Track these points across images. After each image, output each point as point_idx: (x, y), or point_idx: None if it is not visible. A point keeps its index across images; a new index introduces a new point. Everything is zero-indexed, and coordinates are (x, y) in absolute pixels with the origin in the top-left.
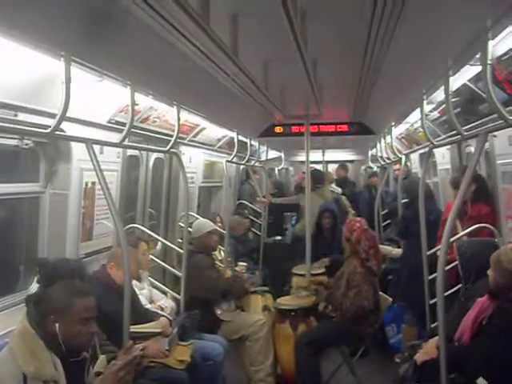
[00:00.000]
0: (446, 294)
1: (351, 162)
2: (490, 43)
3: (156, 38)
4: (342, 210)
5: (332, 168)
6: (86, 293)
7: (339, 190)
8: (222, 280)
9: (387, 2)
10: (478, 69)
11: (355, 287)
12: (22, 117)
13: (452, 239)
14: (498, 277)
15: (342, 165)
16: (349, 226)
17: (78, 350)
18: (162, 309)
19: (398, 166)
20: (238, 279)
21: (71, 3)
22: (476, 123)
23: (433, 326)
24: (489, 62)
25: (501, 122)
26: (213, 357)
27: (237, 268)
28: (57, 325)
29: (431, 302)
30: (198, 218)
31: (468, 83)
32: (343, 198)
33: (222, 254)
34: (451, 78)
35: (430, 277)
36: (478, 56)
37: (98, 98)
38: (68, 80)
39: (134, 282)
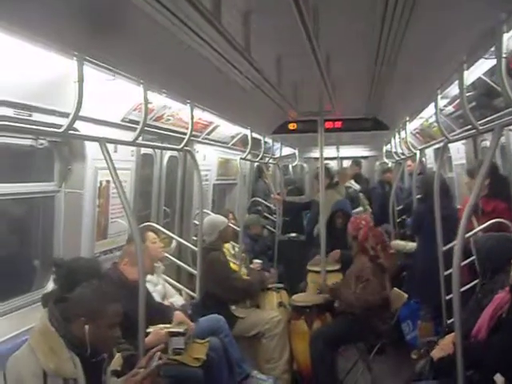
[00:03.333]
0: (462, 289)
1: (366, 157)
2: (505, 36)
3: (168, 37)
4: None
5: (347, 164)
6: (117, 299)
7: (357, 186)
8: (241, 280)
9: None
10: (493, 62)
11: (363, 282)
12: (36, 117)
13: (468, 235)
14: None
15: (356, 161)
16: (354, 225)
17: (101, 352)
18: (174, 306)
19: (409, 162)
20: (258, 277)
21: (84, 3)
22: (491, 117)
23: (449, 322)
24: (503, 55)
25: None
26: (221, 330)
27: (252, 266)
28: (86, 327)
29: (447, 297)
30: None
31: (483, 77)
32: (361, 195)
33: (236, 249)
34: (466, 72)
35: (446, 272)
36: (492, 49)
37: (112, 96)
38: (81, 79)
39: (149, 277)
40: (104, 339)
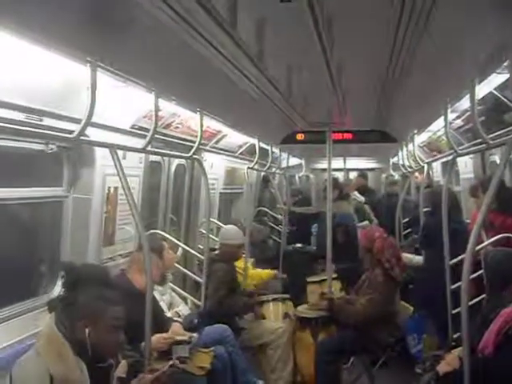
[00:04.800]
0: (469, 304)
1: (372, 170)
2: None
3: (181, 44)
4: (363, 219)
5: (352, 176)
6: (118, 302)
7: (362, 198)
8: (230, 298)
9: (414, 10)
10: (504, 77)
11: (369, 294)
12: (46, 121)
13: (476, 248)
14: None
15: (362, 173)
16: (367, 236)
17: (105, 357)
18: (179, 315)
19: (416, 175)
20: (250, 301)
21: (99, 10)
22: (501, 132)
23: (455, 336)
24: None
25: None
26: (228, 340)
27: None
28: (87, 330)
29: (454, 311)
30: (218, 225)
31: (494, 91)
32: (366, 206)
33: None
34: (477, 86)
35: (453, 286)
36: (505, 64)
37: (122, 103)
38: (94, 85)
39: (157, 286)
40: (105, 343)
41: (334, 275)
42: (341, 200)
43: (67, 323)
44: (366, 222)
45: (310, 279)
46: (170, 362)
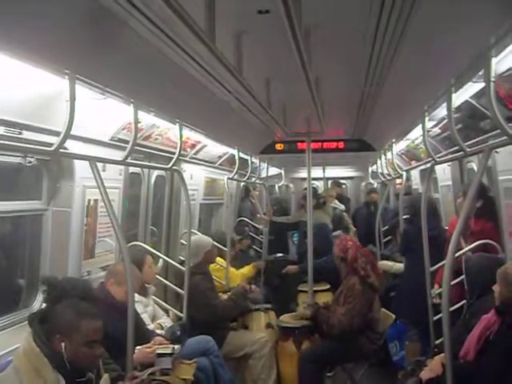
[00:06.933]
0: (450, 310)
1: (351, 178)
2: (493, 60)
3: (160, 56)
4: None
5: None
6: (94, 315)
7: (342, 206)
8: (222, 304)
9: (390, 20)
10: (480, 85)
11: (348, 304)
12: (25, 134)
13: (456, 255)
14: (506, 292)
15: (336, 182)
16: (341, 246)
17: (83, 371)
18: (162, 327)
19: (399, 181)
20: (240, 297)
21: (76, 22)
22: (478, 139)
23: (437, 342)
24: (492, 79)
25: (504, 138)
26: (211, 351)
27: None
28: (63, 344)
29: (435, 318)
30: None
31: (470, 100)
32: (345, 214)
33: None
34: (453, 95)
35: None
36: (480, 73)
37: (101, 115)
38: (72, 98)
39: (140, 298)
40: (82, 357)
41: (327, 286)
42: (316, 209)
43: (45, 338)
44: (339, 232)
45: (300, 288)
46: (150, 370)
